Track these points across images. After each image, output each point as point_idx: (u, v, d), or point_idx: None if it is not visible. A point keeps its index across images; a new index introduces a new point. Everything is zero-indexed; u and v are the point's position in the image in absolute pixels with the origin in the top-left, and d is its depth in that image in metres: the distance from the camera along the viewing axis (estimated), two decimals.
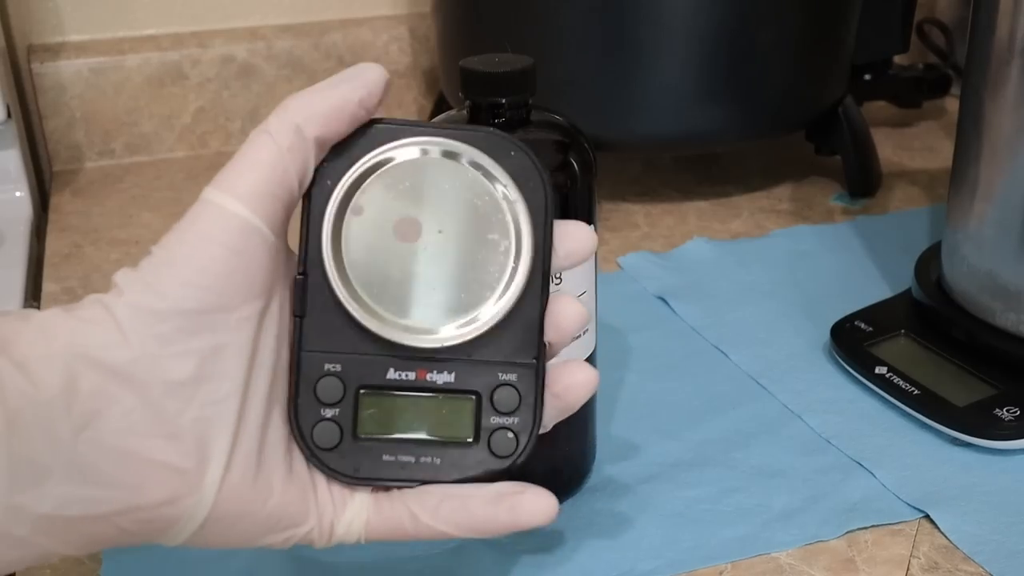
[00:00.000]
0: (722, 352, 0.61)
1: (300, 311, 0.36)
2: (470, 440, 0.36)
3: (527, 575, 0.45)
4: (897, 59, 0.90)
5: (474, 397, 0.36)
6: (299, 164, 0.34)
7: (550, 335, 0.37)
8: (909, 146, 0.91)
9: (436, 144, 0.36)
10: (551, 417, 0.38)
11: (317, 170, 0.35)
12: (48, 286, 0.70)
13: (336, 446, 0.36)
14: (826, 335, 0.60)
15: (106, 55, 0.88)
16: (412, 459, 0.36)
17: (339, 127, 0.35)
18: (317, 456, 0.36)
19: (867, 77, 0.87)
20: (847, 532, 0.47)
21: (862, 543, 0.46)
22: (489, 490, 0.36)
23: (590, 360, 0.47)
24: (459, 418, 0.36)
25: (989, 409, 0.52)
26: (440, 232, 0.36)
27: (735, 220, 0.78)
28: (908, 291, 0.62)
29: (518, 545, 0.46)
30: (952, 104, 0.96)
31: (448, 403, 0.36)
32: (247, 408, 0.34)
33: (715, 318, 0.64)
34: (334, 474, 0.36)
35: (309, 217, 0.35)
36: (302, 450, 0.36)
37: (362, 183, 0.36)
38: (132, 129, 0.91)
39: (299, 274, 0.35)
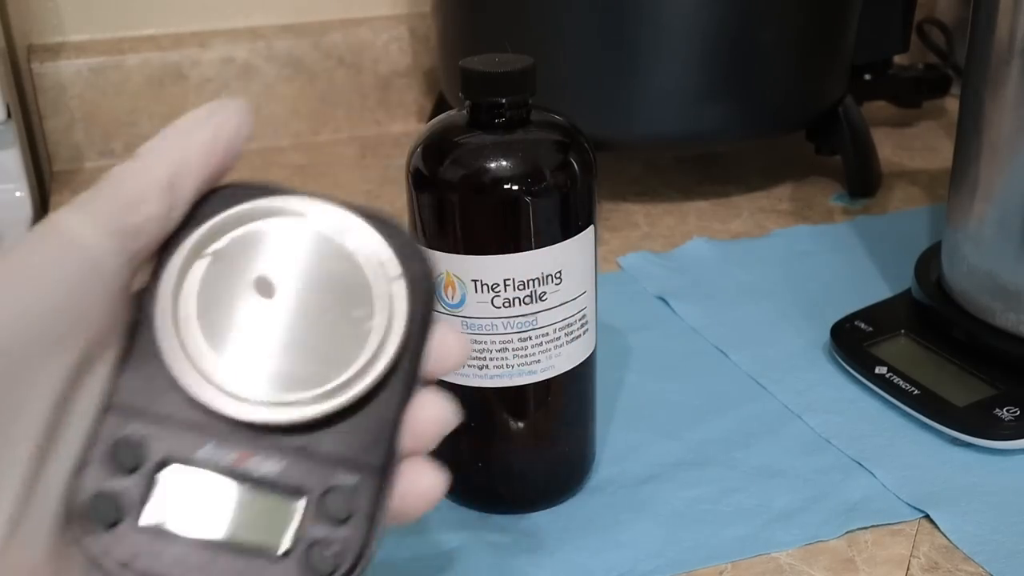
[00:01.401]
0: (722, 352, 0.61)
1: (124, 360, 0.29)
2: (281, 552, 0.29)
3: (527, 575, 0.45)
4: (897, 59, 0.90)
5: (299, 498, 0.29)
6: (165, 205, 0.29)
7: (407, 441, 0.30)
8: (909, 146, 0.91)
9: (320, 208, 0.31)
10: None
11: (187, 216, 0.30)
12: None
13: (113, 525, 0.28)
14: (826, 335, 0.60)
15: (106, 55, 0.88)
16: (204, 562, 0.28)
17: (210, 171, 0.30)
18: (87, 533, 0.28)
19: (867, 77, 0.87)
20: (847, 532, 0.47)
21: (862, 543, 0.46)
22: None
23: (590, 360, 0.47)
24: (274, 521, 0.29)
25: (989, 409, 0.52)
26: (297, 296, 0.30)
27: (735, 220, 0.78)
28: (908, 291, 0.62)
29: (518, 545, 0.46)
30: (952, 104, 0.96)
31: (265, 500, 0.29)
32: (40, 479, 0.27)
33: (715, 318, 0.64)
34: (100, 559, 0.28)
35: (160, 255, 0.30)
36: (70, 520, 0.28)
37: (226, 231, 0.30)
38: (132, 129, 0.90)
39: (132, 324, 0.30)
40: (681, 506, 0.49)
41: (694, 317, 0.64)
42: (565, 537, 0.47)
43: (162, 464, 0.29)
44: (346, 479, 0.29)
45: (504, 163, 0.43)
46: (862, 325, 0.59)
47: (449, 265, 0.44)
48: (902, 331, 0.59)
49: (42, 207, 0.85)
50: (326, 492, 0.29)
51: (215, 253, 0.30)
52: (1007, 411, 0.51)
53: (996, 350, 0.55)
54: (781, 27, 0.73)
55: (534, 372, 0.45)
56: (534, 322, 0.44)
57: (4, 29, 0.86)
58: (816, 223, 0.77)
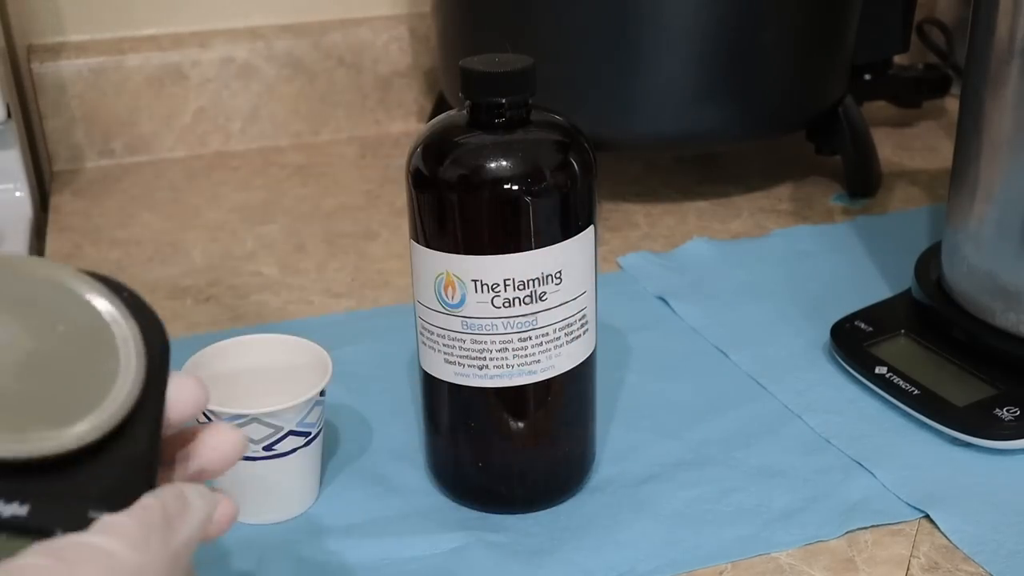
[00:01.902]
0: (722, 352, 0.61)
1: None
2: None
3: (527, 575, 0.45)
4: (897, 59, 0.90)
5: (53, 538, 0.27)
6: None
7: (193, 468, 0.32)
8: (909, 146, 0.91)
9: (46, 269, 0.32)
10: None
11: None
12: None
13: None
14: (826, 335, 0.60)
15: (106, 55, 0.88)
16: None
17: None
18: None
19: (867, 77, 0.87)
20: (847, 532, 0.47)
21: (862, 543, 0.46)
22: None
23: (590, 360, 0.47)
24: None
25: (989, 409, 0.52)
26: (27, 339, 0.30)
27: (735, 220, 0.78)
28: (908, 291, 0.62)
29: (518, 545, 0.46)
30: (952, 104, 0.96)
31: (17, 543, 0.27)
32: None
33: (715, 318, 0.64)
34: None
35: None
36: None
37: None
38: (132, 129, 0.91)
39: None
40: (681, 506, 0.49)
41: (694, 317, 0.64)
42: (565, 537, 0.47)
43: None
44: (103, 516, 0.28)
45: (504, 163, 0.43)
46: (862, 325, 0.59)
47: (449, 265, 0.44)
48: (902, 331, 0.59)
49: (42, 207, 0.85)
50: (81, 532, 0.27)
51: None
52: (1007, 411, 0.51)
53: (996, 350, 0.55)
54: (781, 27, 0.73)
55: (534, 372, 0.45)
56: (534, 322, 0.44)
57: (4, 29, 0.86)
58: (816, 223, 0.77)
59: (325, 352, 0.49)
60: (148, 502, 0.28)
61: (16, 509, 0.28)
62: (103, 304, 0.31)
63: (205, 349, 0.49)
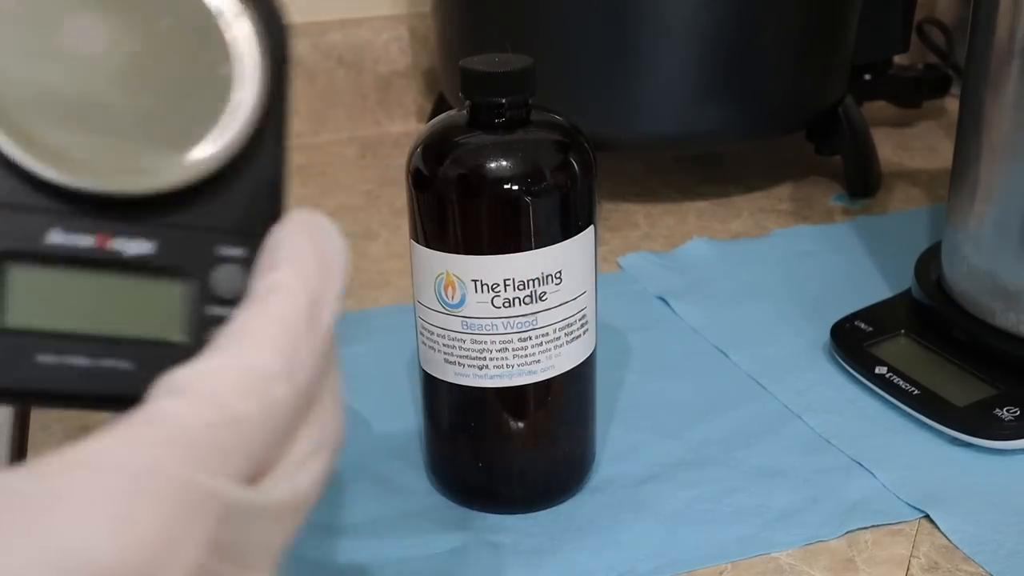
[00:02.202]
0: (722, 352, 0.61)
1: None
2: (179, 340, 0.25)
3: (527, 575, 0.45)
4: (897, 59, 0.90)
5: (183, 279, 0.25)
6: None
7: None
8: (909, 146, 0.92)
9: None
10: None
11: None
12: None
13: None
14: (826, 335, 0.60)
15: None
16: (87, 362, 0.24)
17: None
18: None
19: (867, 77, 0.87)
20: (847, 532, 0.47)
21: (862, 543, 0.46)
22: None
23: (590, 360, 0.47)
24: (161, 309, 0.25)
25: (989, 409, 0.52)
26: (131, 42, 0.25)
27: (735, 220, 0.78)
28: (908, 291, 0.62)
29: (518, 545, 0.46)
30: (952, 104, 0.96)
31: (144, 286, 0.25)
32: None
33: (715, 318, 0.64)
34: None
35: None
36: None
37: None
38: None
39: None
40: (681, 506, 0.49)
41: (694, 317, 0.64)
42: (565, 537, 0.47)
43: (4, 258, 0.24)
44: (233, 252, 0.25)
45: (504, 163, 0.43)
46: (862, 325, 0.59)
47: (449, 265, 0.44)
48: (902, 331, 0.59)
49: None
50: (212, 268, 0.25)
51: None
52: (1007, 411, 0.51)
53: (996, 350, 0.55)
54: (781, 27, 0.73)
55: (534, 372, 0.45)
56: (534, 322, 0.44)
57: None
58: (816, 223, 0.77)
59: None
60: (287, 283, 0.24)
61: (140, 247, 0.25)
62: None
63: None
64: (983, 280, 0.56)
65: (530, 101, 0.44)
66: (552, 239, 0.43)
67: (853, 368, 0.57)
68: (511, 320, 0.44)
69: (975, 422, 0.52)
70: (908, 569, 0.45)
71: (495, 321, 0.44)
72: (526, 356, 0.45)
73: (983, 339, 0.56)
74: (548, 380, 0.46)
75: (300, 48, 0.93)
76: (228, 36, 0.25)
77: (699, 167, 0.86)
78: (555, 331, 0.45)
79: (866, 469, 0.51)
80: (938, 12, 1.00)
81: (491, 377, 0.45)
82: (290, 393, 0.23)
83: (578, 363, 0.46)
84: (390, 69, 0.96)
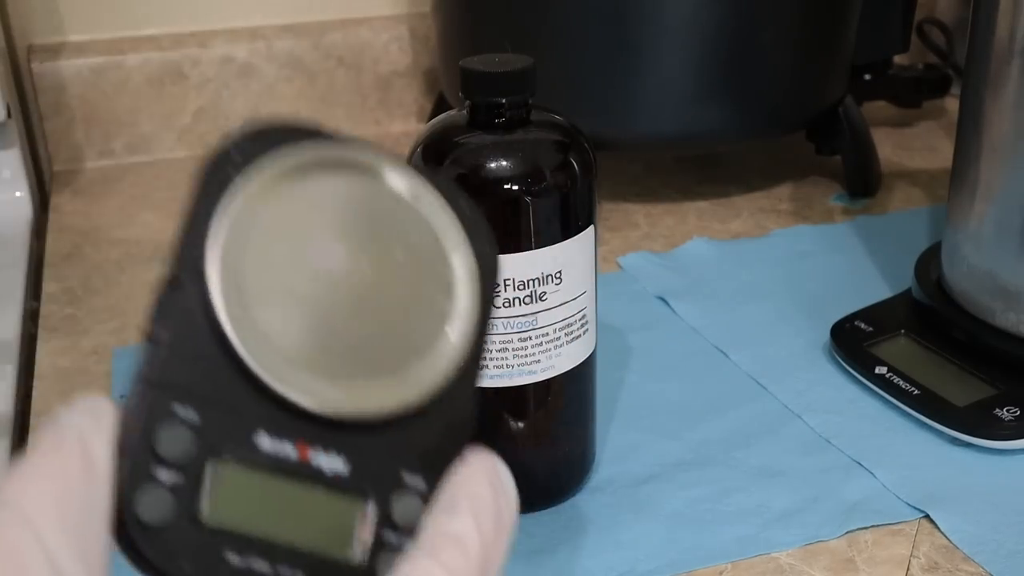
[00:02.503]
0: (722, 352, 0.61)
1: (155, 331, 0.24)
2: (353, 563, 0.25)
3: (527, 575, 0.45)
4: (897, 59, 0.90)
5: (366, 500, 0.26)
6: None
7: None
8: (909, 146, 0.91)
9: (392, 166, 0.27)
10: None
11: (225, 149, 0.26)
12: (48, 286, 0.70)
13: (164, 526, 0.24)
14: (826, 335, 0.60)
15: (106, 55, 0.88)
16: (268, 570, 0.25)
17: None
18: (131, 533, 0.23)
19: (867, 77, 0.87)
20: (847, 532, 0.47)
21: (862, 543, 0.46)
22: None
23: (590, 360, 0.47)
24: (342, 524, 0.25)
25: (989, 409, 0.52)
26: (367, 267, 0.26)
27: (735, 220, 0.78)
28: (908, 291, 0.62)
29: (518, 545, 0.46)
30: (952, 104, 0.96)
31: (332, 503, 0.25)
32: None
33: (715, 318, 0.64)
34: (147, 566, 0.24)
35: (196, 202, 0.25)
36: (112, 525, 0.23)
37: (287, 180, 0.26)
38: (132, 129, 0.91)
39: (168, 281, 0.25)
40: (681, 506, 0.49)
41: (694, 317, 0.64)
42: (565, 537, 0.47)
43: (214, 453, 0.24)
44: (415, 482, 0.26)
45: (504, 163, 0.43)
46: (862, 325, 0.59)
47: None
48: (902, 331, 0.59)
49: (42, 207, 0.85)
50: (393, 495, 0.26)
51: (276, 206, 0.25)
52: (1007, 411, 0.51)
53: (996, 350, 0.55)
54: (781, 27, 0.73)
55: (534, 372, 0.45)
56: (534, 322, 0.44)
57: (4, 29, 0.86)
58: (816, 223, 0.77)
59: None
60: (465, 535, 0.26)
61: (337, 465, 0.25)
62: (443, 222, 0.27)
63: None
64: (983, 280, 0.56)
65: (530, 101, 0.44)
66: (552, 239, 0.43)
67: (853, 368, 0.57)
68: (511, 320, 0.44)
69: (975, 422, 0.52)
70: (908, 569, 0.45)
71: (495, 321, 0.44)
72: (526, 356, 0.45)
73: (983, 339, 0.56)
74: (548, 380, 0.46)
75: (300, 48, 0.93)
76: (450, 272, 0.27)
77: (699, 167, 0.86)
78: (555, 331, 0.45)
79: (866, 469, 0.51)
80: (938, 12, 1.00)
81: (491, 377, 0.45)
82: None
83: (578, 363, 0.46)
84: (390, 69, 0.96)
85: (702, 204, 0.80)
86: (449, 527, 0.25)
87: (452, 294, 0.27)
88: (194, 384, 0.24)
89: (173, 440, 0.24)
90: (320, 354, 0.25)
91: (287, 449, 0.25)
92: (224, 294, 0.24)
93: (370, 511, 0.26)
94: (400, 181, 0.27)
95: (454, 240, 0.27)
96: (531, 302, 0.44)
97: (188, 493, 0.24)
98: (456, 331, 0.26)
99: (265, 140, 0.26)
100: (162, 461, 0.24)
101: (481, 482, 0.26)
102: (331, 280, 0.26)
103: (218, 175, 0.25)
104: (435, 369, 0.26)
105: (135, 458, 0.24)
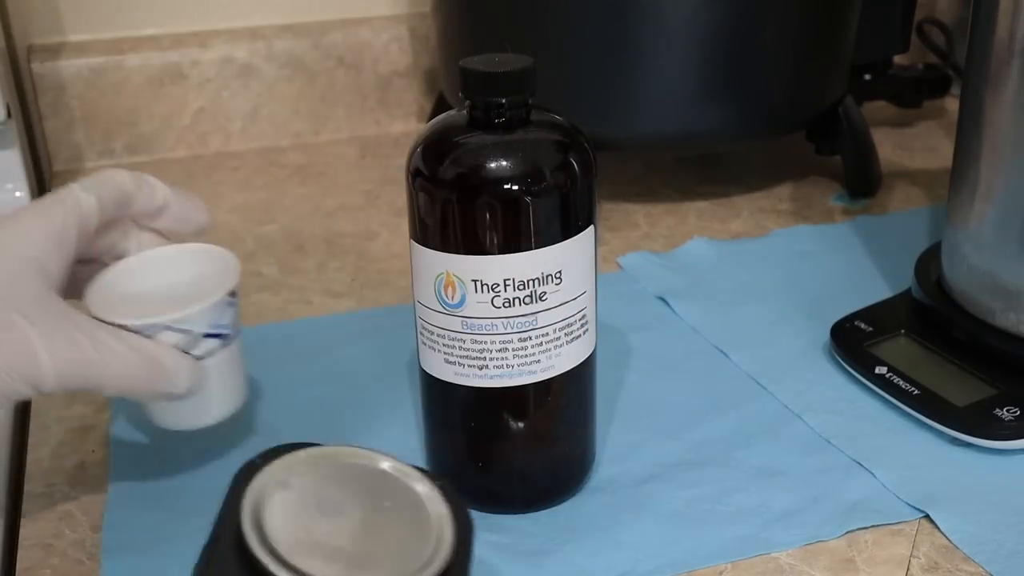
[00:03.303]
0: (722, 352, 0.61)
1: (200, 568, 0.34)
2: None
3: (527, 575, 0.45)
4: (897, 59, 0.90)
5: None
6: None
7: None
8: (909, 146, 0.92)
9: (383, 459, 0.39)
10: None
11: (250, 459, 0.37)
12: None
13: None
14: (826, 335, 0.60)
15: (106, 55, 0.88)
16: None
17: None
18: None
19: (867, 77, 0.87)
20: (847, 532, 0.47)
21: (862, 543, 0.46)
22: None
23: (590, 360, 0.47)
24: None
25: (989, 409, 0.52)
26: (364, 511, 0.36)
27: (735, 220, 0.78)
28: (908, 291, 0.62)
29: (518, 545, 0.46)
30: (952, 104, 0.96)
31: None
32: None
33: (715, 318, 0.64)
34: None
35: (231, 489, 0.36)
36: None
37: (293, 470, 0.37)
38: (132, 129, 0.91)
39: (211, 538, 0.34)
40: (681, 506, 0.49)
41: (694, 317, 0.64)
42: (565, 537, 0.47)
43: None
44: None
45: (504, 163, 0.43)
46: (862, 325, 0.59)
47: (449, 265, 0.44)
48: (902, 331, 0.59)
49: None
50: None
51: (287, 480, 0.37)
52: (1007, 411, 0.51)
53: (996, 350, 0.55)
54: (781, 27, 0.73)
55: (534, 372, 0.45)
56: (534, 322, 0.44)
57: (4, 29, 0.86)
58: (816, 223, 0.77)
59: (233, 255, 0.48)
60: None
61: None
62: (423, 488, 0.38)
63: (111, 267, 0.48)
64: (983, 280, 0.56)
65: (530, 101, 0.44)
66: (552, 239, 0.43)
67: (853, 368, 0.57)
68: (511, 320, 0.44)
69: (975, 422, 0.52)
70: (908, 569, 0.45)
71: (495, 321, 0.44)
72: (526, 356, 0.45)
73: (983, 339, 0.56)
74: (548, 380, 0.46)
75: (300, 48, 0.93)
76: (430, 518, 0.36)
77: (699, 167, 0.86)
78: (555, 331, 0.45)
79: (866, 469, 0.51)
80: (938, 12, 1.00)
81: (491, 377, 0.45)
82: None
83: (578, 363, 0.46)
84: (390, 69, 0.96)
85: (702, 204, 0.80)
86: None
87: (431, 535, 0.36)
88: None
89: None
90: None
91: None
92: (256, 541, 0.33)
93: None
94: (389, 463, 0.38)
95: (431, 497, 0.37)
96: (531, 302, 0.44)
97: None
98: (433, 566, 0.35)
99: (280, 449, 0.37)
100: None
101: None
102: (340, 520, 0.36)
103: (245, 472, 0.36)
104: None
105: None
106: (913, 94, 0.91)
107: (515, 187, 0.43)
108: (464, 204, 0.43)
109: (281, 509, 0.35)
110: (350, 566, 0.34)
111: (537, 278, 0.44)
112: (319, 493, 0.36)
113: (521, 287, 0.43)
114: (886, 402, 0.55)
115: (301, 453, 0.37)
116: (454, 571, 0.35)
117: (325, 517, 0.35)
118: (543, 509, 0.48)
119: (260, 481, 0.36)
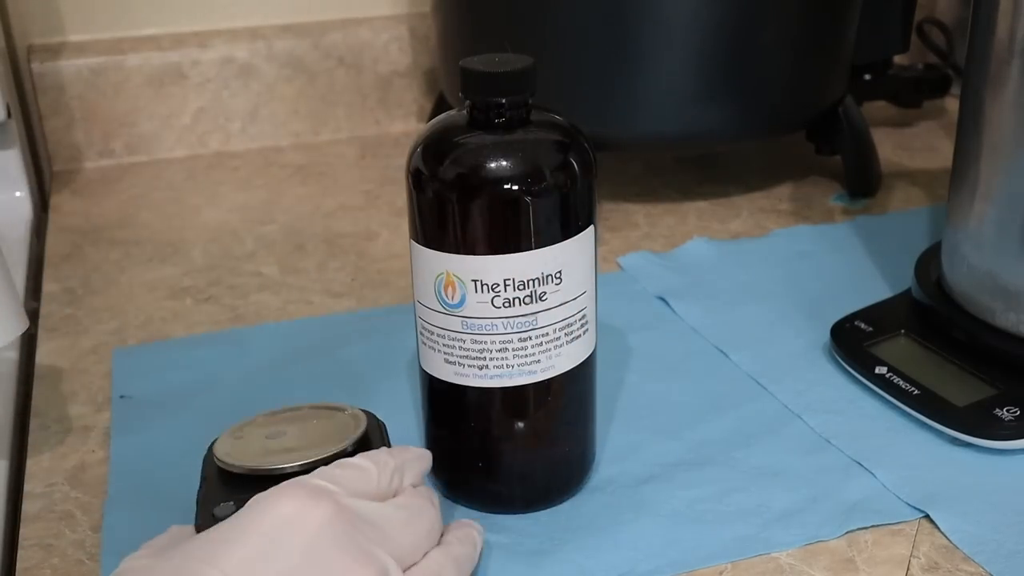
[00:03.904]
0: (722, 352, 0.61)
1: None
2: None
3: (527, 575, 0.45)
4: (897, 59, 0.90)
5: None
6: None
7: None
8: (909, 146, 0.92)
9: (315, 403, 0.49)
10: None
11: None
12: (48, 286, 0.70)
13: None
14: (826, 335, 0.60)
15: (106, 55, 0.88)
16: None
17: None
18: None
19: (867, 77, 0.87)
20: (847, 532, 0.47)
21: (862, 543, 0.46)
22: None
23: (590, 360, 0.47)
24: None
25: (989, 409, 0.52)
26: (298, 432, 0.46)
27: (735, 220, 0.78)
28: (908, 291, 0.62)
29: (518, 545, 0.46)
30: (952, 104, 0.96)
31: None
32: None
33: (715, 318, 0.64)
34: None
35: (204, 458, 0.45)
36: None
37: (243, 427, 0.46)
38: (132, 129, 0.91)
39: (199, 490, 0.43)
40: (681, 506, 0.49)
41: (694, 317, 0.64)
42: (565, 537, 0.47)
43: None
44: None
45: (504, 163, 0.43)
46: (862, 325, 0.59)
47: (449, 265, 0.44)
48: (902, 331, 0.59)
49: (42, 207, 0.85)
50: None
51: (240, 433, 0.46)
52: (1007, 411, 0.51)
53: (996, 350, 0.55)
54: (781, 27, 0.73)
55: (534, 372, 0.45)
56: (534, 322, 0.44)
57: (4, 29, 0.86)
58: (816, 223, 0.77)
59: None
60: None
61: None
62: (342, 409, 0.47)
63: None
64: (983, 280, 0.56)
65: (530, 101, 0.44)
66: (552, 239, 0.43)
67: (853, 368, 0.57)
68: (511, 320, 0.44)
69: (975, 422, 0.52)
70: (908, 569, 0.45)
71: (495, 321, 0.44)
72: (526, 356, 0.45)
73: (983, 339, 0.56)
74: (548, 380, 0.46)
75: (300, 48, 0.93)
76: (350, 417, 0.46)
77: (699, 167, 0.86)
78: (555, 331, 0.45)
79: (866, 469, 0.51)
80: (938, 12, 1.00)
81: (491, 377, 0.45)
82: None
83: (578, 363, 0.46)
84: (390, 69, 0.96)
85: (702, 204, 0.80)
86: None
87: (353, 431, 0.45)
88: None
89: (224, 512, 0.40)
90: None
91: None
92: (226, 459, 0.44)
93: None
94: (316, 404, 0.48)
95: (350, 411, 0.47)
96: (531, 302, 0.44)
97: None
98: (357, 434, 0.45)
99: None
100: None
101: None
102: (285, 437, 0.45)
103: (210, 445, 0.46)
104: (345, 443, 0.44)
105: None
106: (913, 94, 0.91)
107: (515, 187, 0.43)
108: (464, 204, 0.43)
109: (240, 446, 0.44)
110: (291, 453, 0.43)
111: (537, 278, 0.44)
112: (266, 431, 0.46)
113: (521, 287, 0.43)
114: (886, 402, 0.55)
115: (249, 417, 0.47)
116: (372, 435, 0.45)
117: (271, 439, 0.45)
118: (543, 509, 0.48)
119: (221, 440, 0.45)
